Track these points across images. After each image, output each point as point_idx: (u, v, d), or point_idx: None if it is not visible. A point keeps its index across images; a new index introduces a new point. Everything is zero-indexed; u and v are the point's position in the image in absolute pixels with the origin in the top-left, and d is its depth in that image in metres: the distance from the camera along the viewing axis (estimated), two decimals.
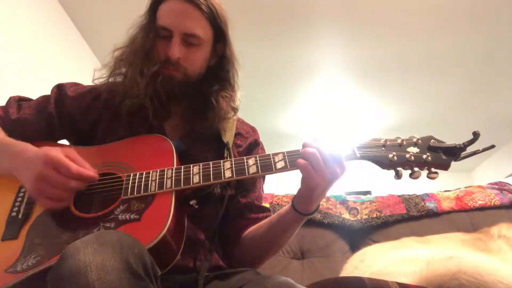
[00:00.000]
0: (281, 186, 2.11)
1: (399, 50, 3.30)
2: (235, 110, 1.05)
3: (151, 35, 0.95)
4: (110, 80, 1.01)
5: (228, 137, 1.03)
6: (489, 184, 1.69)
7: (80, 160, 0.82)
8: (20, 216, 0.84)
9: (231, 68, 1.04)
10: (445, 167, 0.82)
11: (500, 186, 1.65)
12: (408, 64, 3.50)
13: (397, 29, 3.04)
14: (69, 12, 2.81)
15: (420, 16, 2.89)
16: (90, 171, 0.82)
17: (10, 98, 1.03)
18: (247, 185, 1.03)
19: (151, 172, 0.85)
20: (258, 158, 0.84)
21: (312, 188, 0.80)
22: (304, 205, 0.85)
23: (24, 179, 0.80)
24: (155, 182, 0.83)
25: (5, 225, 0.84)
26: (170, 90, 0.95)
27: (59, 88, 1.03)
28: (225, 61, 1.03)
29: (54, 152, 0.79)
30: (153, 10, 0.98)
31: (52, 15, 2.68)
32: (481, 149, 0.80)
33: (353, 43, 3.22)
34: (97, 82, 1.03)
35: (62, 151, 0.80)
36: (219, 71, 1.03)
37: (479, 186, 1.67)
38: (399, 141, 0.84)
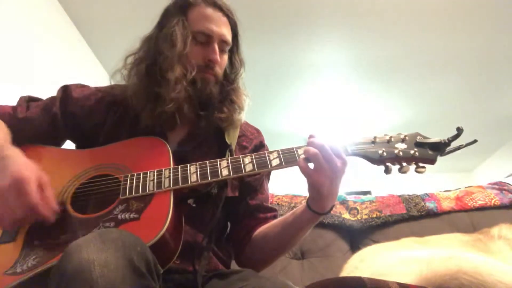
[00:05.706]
0: (280, 186, 2.11)
1: (401, 51, 3.30)
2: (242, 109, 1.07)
3: (188, 39, 0.96)
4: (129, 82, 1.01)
5: (232, 138, 1.03)
6: (489, 184, 1.69)
7: (48, 192, 0.78)
8: None
9: (240, 69, 1.09)
10: (432, 161, 0.83)
11: (500, 186, 1.65)
12: (410, 65, 3.49)
13: (399, 30, 3.04)
14: (69, 12, 2.81)
15: (422, 17, 2.89)
16: (46, 210, 0.77)
17: (21, 98, 1.03)
18: (255, 187, 1.05)
19: (148, 172, 0.85)
20: (253, 157, 0.86)
21: (316, 187, 0.81)
22: (317, 204, 0.86)
23: None
24: (153, 182, 0.83)
25: (2, 228, 0.84)
26: (204, 93, 0.97)
27: (65, 89, 1.04)
28: (236, 63, 1.08)
29: (28, 173, 0.76)
30: (183, 14, 0.99)
31: (52, 15, 2.68)
32: (464, 144, 0.81)
33: (355, 43, 3.22)
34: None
35: (38, 174, 0.77)
36: (230, 73, 1.08)
37: (479, 186, 1.67)
38: (387, 137, 0.86)
